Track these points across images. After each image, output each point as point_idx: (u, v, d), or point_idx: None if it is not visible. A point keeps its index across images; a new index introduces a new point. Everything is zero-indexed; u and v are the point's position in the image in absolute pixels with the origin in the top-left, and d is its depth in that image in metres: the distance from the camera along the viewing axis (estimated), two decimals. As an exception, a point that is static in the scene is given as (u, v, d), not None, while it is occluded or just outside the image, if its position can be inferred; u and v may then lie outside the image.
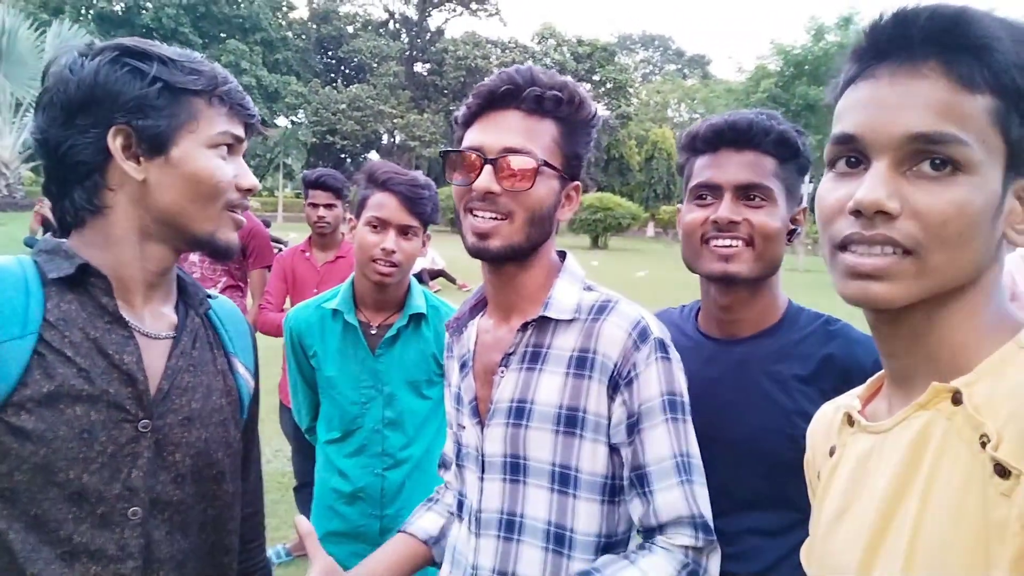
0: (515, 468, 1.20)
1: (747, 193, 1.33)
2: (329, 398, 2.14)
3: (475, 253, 1.21)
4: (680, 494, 1.13)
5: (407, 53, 55.54)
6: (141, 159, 1.06)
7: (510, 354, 1.24)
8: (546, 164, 1.17)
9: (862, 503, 0.80)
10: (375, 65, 53.33)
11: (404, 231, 2.00)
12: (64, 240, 1.10)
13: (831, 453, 0.90)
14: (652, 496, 1.14)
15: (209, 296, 1.24)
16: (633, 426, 1.15)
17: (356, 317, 2.09)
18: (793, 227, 1.39)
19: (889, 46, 0.75)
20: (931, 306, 0.76)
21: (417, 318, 2.07)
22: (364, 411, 2.08)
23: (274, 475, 4.78)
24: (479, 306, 1.37)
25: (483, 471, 1.24)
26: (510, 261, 1.22)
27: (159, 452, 1.06)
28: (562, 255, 1.33)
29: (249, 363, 1.27)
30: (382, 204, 1.99)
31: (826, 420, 0.96)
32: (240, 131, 1.14)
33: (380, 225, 1.99)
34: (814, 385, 1.29)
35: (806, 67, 30.14)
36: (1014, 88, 0.71)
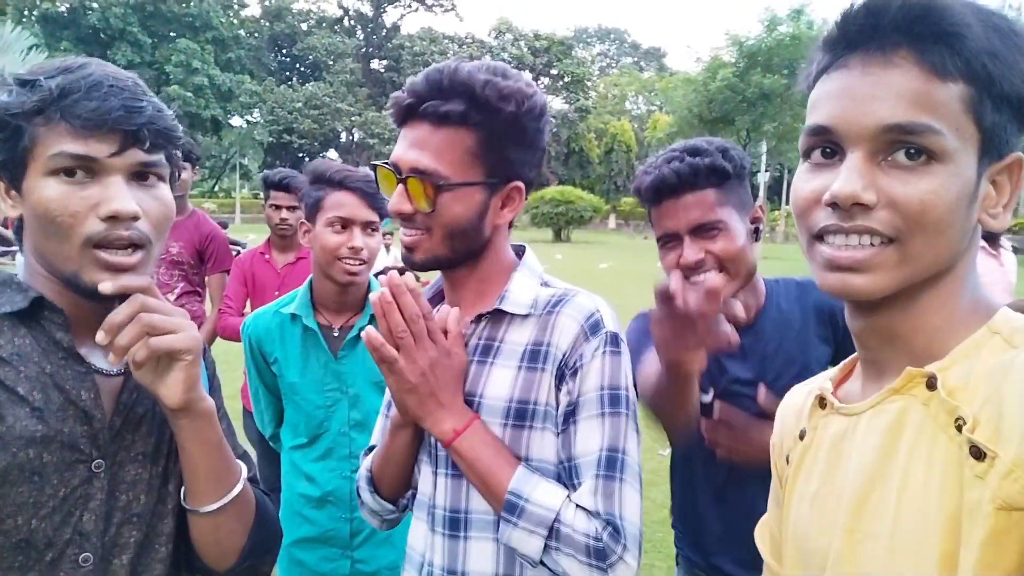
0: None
1: (701, 230, 1.45)
2: (293, 404, 2.10)
3: (405, 264, 1.21)
4: (591, 487, 1.09)
5: (363, 50, 55.10)
6: (13, 193, 0.98)
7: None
8: (452, 185, 1.13)
9: (836, 486, 0.80)
10: (331, 63, 52.79)
11: (366, 227, 1.99)
12: (15, 273, 1.03)
13: (801, 436, 0.90)
14: (577, 488, 1.11)
15: None
16: (569, 415, 1.13)
17: (315, 320, 2.05)
18: (755, 225, 1.52)
19: (861, 35, 0.75)
20: (909, 294, 0.76)
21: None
22: (330, 414, 2.04)
23: (240, 482, 4.70)
24: (436, 299, 1.35)
25: (436, 465, 1.23)
26: (448, 268, 1.22)
27: (112, 493, 1.00)
28: (521, 251, 1.30)
29: (203, 382, 1.18)
30: (342, 203, 1.95)
31: (797, 403, 0.96)
32: (95, 148, 0.93)
33: (343, 224, 1.96)
34: (810, 331, 1.55)
35: (760, 57, 30.56)
36: (985, 75, 0.71)
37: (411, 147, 1.14)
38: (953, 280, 0.77)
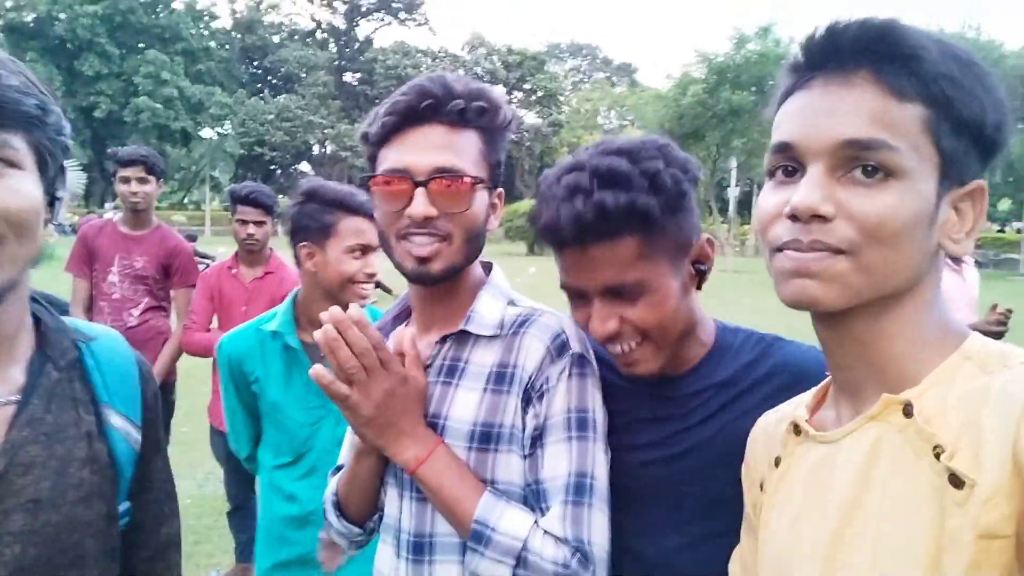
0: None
1: (615, 292, 1.08)
2: (275, 423, 2.06)
3: (416, 278, 1.15)
4: (559, 514, 1.07)
5: (336, 63, 54.97)
6: None
7: (427, 367, 1.20)
8: (478, 181, 1.13)
9: (816, 515, 0.80)
10: (303, 75, 52.61)
11: (376, 250, 2.00)
12: None
13: (776, 464, 0.90)
14: (544, 513, 1.09)
15: (86, 340, 1.02)
16: (536, 439, 1.12)
17: (298, 338, 2.03)
18: (698, 266, 1.15)
19: (822, 58, 0.77)
20: (872, 313, 0.77)
21: None
22: (314, 432, 2.02)
23: (207, 499, 4.63)
24: (402, 316, 1.33)
25: (402, 488, 1.20)
26: (450, 279, 1.18)
27: None
28: (488, 267, 1.28)
29: (133, 412, 1.04)
30: (361, 229, 1.96)
31: (768, 429, 0.96)
32: None
33: (363, 251, 1.98)
34: (760, 400, 1.10)
35: (728, 74, 31.04)
36: (944, 98, 0.73)
37: (427, 150, 1.11)
38: (916, 303, 0.77)
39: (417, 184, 1.10)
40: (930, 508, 0.68)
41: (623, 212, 1.02)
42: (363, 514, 1.31)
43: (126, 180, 3.48)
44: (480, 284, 1.24)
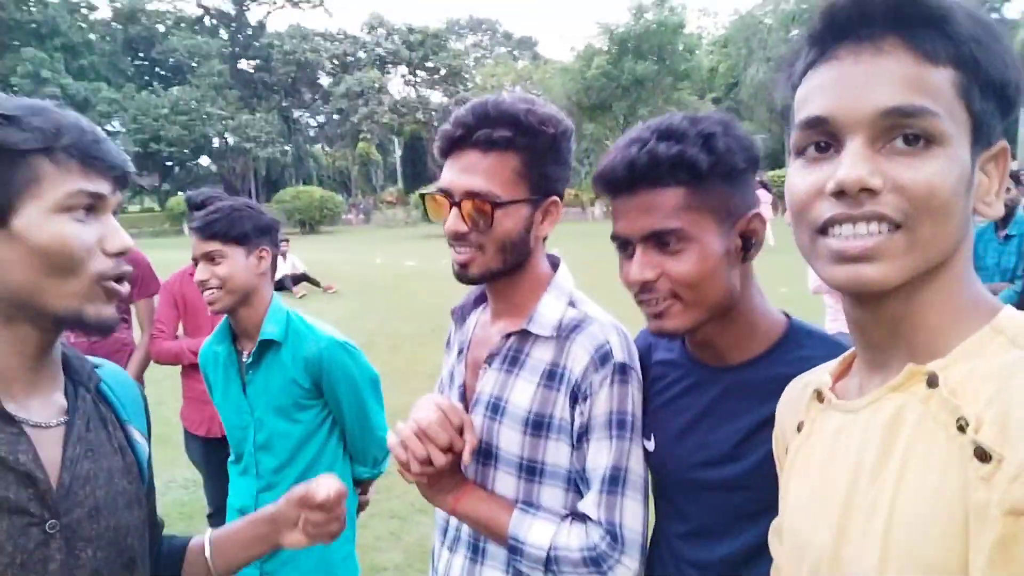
0: (487, 455, 1.35)
1: (657, 240, 1.14)
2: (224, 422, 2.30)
3: (459, 279, 1.34)
4: (595, 500, 1.25)
5: (229, 50, 52.84)
6: None
7: (494, 354, 1.38)
8: (504, 203, 1.26)
9: (833, 483, 0.79)
10: (195, 65, 50.38)
11: (207, 258, 2.07)
12: None
13: (799, 429, 0.90)
14: (585, 495, 1.28)
15: (96, 367, 1.15)
16: (582, 435, 1.28)
17: (230, 347, 2.17)
18: (745, 240, 1.17)
19: (848, 26, 0.74)
20: (911, 288, 0.74)
21: (269, 345, 2.13)
22: (245, 436, 2.20)
23: (170, 506, 4.58)
24: (479, 300, 1.51)
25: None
26: (494, 280, 1.35)
27: (71, 551, 0.98)
28: (556, 264, 1.42)
29: (143, 427, 1.20)
30: (190, 242, 2.09)
31: (794, 395, 0.96)
32: (102, 187, 0.98)
33: (194, 260, 2.10)
34: None
35: (630, 44, 31.60)
36: (972, 60, 0.71)
37: (462, 173, 1.27)
38: (951, 274, 0.75)
39: (452, 204, 1.28)
40: (951, 481, 0.66)
41: (671, 162, 1.12)
42: None
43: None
44: (544, 281, 1.38)
